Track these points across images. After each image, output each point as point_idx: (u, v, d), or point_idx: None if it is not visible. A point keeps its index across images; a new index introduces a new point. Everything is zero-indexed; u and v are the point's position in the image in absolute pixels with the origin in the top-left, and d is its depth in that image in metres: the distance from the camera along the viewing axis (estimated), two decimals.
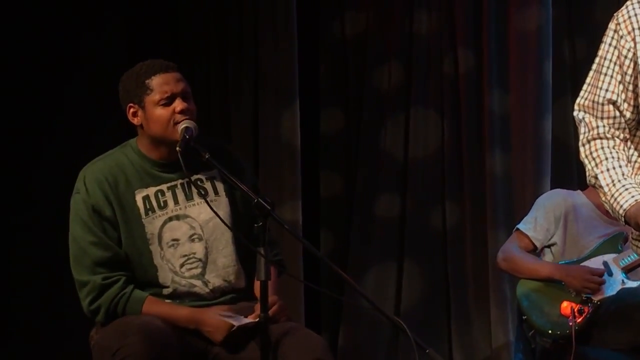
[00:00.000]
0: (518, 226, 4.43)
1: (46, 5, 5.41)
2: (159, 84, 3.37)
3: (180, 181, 3.42)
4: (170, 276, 3.38)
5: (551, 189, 5.10)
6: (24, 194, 5.36)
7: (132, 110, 3.41)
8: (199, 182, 3.43)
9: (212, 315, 3.31)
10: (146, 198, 3.39)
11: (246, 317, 3.30)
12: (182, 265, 3.39)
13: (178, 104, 3.35)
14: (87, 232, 3.34)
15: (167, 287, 3.38)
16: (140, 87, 3.37)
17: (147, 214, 3.38)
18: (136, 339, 3.13)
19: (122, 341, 3.14)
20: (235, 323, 3.25)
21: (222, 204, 3.45)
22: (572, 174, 5.37)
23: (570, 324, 4.11)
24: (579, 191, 4.49)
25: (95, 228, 3.34)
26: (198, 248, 3.41)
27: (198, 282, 3.40)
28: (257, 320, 3.21)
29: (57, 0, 5.42)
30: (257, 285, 3.32)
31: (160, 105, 3.36)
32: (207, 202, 3.35)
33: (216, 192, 3.46)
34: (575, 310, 4.14)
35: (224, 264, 3.43)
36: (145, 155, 3.42)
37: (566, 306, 4.17)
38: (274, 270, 3.44)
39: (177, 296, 3.38)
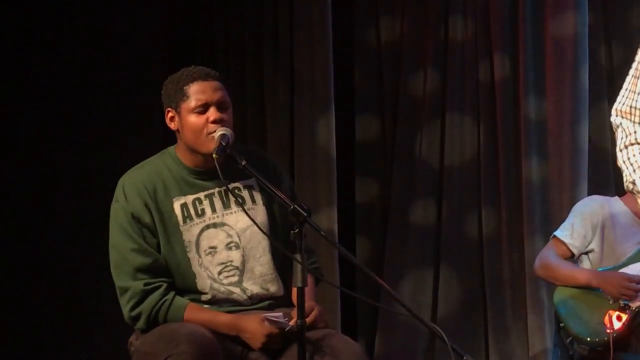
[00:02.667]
0: (555, 233, 4.41)
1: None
2: (196, 91, 3.36)
3: (217, 189, 3.43)
4: (208, 283, 3.39)
5: (588, 195, 5.07)
6: (74, 199, 5.42)
7: (170, 114, 3.42)
8: (236, 191, 3.43)
9: (251, 321, 3.32)
10: (184, 206, 3.40)
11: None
12: (220, 273, 3.40)
13: (212, 113, 3.34)
14: (127, 239, 3.35)
15: (206, 293, 3.39)
16: (179, 92, 3.38)
17: (184, 221, 3.39)
18: (186, 348, 3.12)
19: (171, 349, 3.13)
20: (274, 326, 3.24)
21: (259, 213, 3.45)
22: (609, 180, 5.34)
23: (609, 331, 4.09)
24: (616, 197, 4.46)
25: (135, 235, 3.35)
26: (235, 256, 3.41)
27: (236, 290, 3.41)
28: (295, 323, 3.20)
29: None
30: (294, 292, 3.33)
31: (195, 112, 3.35)
32: (244, 209, 3.35)
33: (253, 201, 3.46)
34: (614, 317, 4.12)
35: (261, 272, 3.44)
36: (183, 162, 3.44)
37: (605, 316, 4.14)
38: (311, 278, 3.45)
39: (216, 302, 3.39)
